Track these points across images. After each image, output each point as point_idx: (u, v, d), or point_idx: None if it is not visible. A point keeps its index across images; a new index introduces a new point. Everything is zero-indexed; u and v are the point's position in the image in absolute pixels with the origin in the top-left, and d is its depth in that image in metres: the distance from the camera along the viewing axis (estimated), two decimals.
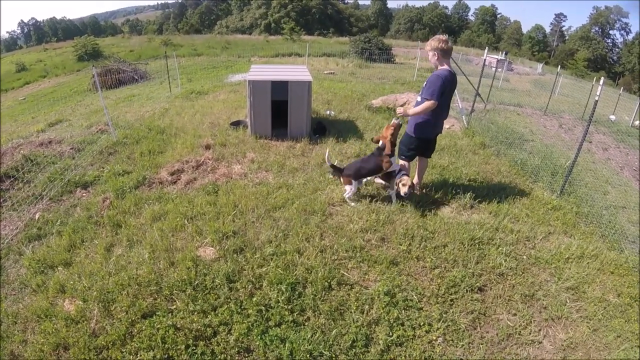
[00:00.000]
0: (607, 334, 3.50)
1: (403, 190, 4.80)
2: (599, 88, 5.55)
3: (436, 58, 4.75)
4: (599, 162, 9.61)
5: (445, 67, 4.74)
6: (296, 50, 32.93)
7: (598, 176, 7.98)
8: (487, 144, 7.68)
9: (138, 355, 2.90)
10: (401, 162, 5.23)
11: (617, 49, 74.56)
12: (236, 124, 7.81)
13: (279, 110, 7.07)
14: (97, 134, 7.70)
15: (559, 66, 19.00)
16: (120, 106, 11.88)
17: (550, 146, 9.20)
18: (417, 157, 5.31)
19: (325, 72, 18.62)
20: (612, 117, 17.71)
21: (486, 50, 10.04)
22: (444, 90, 4.63)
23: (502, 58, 31.41)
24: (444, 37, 4.80)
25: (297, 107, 6.98)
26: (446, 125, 8.97)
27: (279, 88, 6.83)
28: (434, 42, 4.71)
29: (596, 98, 5.53)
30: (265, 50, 34.98)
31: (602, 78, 5.94)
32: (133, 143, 7.17)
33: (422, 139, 5.06)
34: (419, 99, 4.92)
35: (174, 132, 7.68)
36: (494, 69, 17.13)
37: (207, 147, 6.70)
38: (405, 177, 4.87)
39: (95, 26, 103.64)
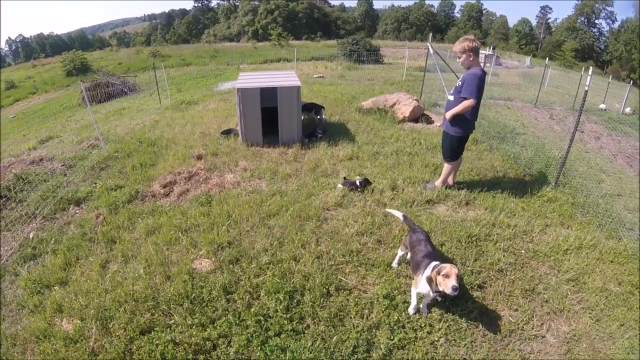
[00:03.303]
0: (610, 323, 3.49)
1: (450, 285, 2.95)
2: (588, 78, 5.55)
3: (471, 59, 4.82)
4: (592, 151, 9.64)
5: (479, 66, 4.82)
6: (284, 56, 32.95)
7: (592, 165, 8.01)
8: (479, 140, 7.69)
9: None
10: (447, 165, 5.34)
11: (603, 38, 75.11)
12: (227, 132, 7.78)
13: (269, 116, 7.04)
14: (88, 149, 7.65)
15: (547, 58, 19.09)
16: (111, 120, 11.84)
17: (542, 138, 9.22)
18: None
19: (315, 76, 18.60)
20: (603, 106, 17.80)
21: None
22: (480, 88, 4.76)
23: (490, 53, 31.62)
24: (471, 36, 4.87)
25: (287, 113, 6.97)
26: (437, 122, 8.99)
27: (268, 94, 6.82)
28: (467, 42, 4.76)
29: (586, 88, 5.53)
30: (254, 57, 34.99)
31: (591, 68, 5.95)
32: (124, 157, 7.12)
33: (465, 137, 5.24)
34: (450, 98, 5.06)
35: (165, 144, 7.64)
36: (482, 64, 17.20)
37: (199, 158, 6.66)
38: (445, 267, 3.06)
39: (83, 40, 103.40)
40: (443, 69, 11.25)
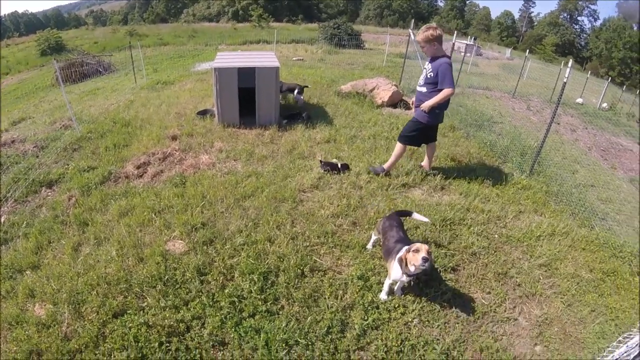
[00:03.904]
0: (582, 308, 3.59)
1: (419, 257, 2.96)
2: (568, 70, 5.62)
3: (435, 47, 4.76)
4: (567, 143, 9.86)
5: (444, 53, 4.78)
6: (265, 37, 32.48)
7: (567, 156, 8.19)
8: (457, 127, 7.74)
9: (112, 357, 2.80)
10: (401, 146, 5.28)
11: (584, 35, 76.55)
12: (203, 113, 7.62)
13: (246, 97, 6.91)
14: (61, 130, 7.40)
15: (527, 51, 19.31)
16: (85, 100, 11.49)
17: (519, 127, 9.36)
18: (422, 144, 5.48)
19: (294, 58, 18.40)
20: (580, 100, 18.23)
21: (454, 35, 10.05)
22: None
23: (471, 43, 31.80)
24: (434, 24, 4.78)
25: (265, 94, 6.84)
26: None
27: (246, 75, 6.67)
28: (431, 31, 4.67)
29: (565, 80, 5.60)
30: (233, 38, 34.36)
31: (571, 60, 6.03)
32: (98, 137, 6.91)
33: (431, 127, 5.23)
34: (422, 89, 4.99)
35: (139, 124, 7.44)
36: (462, 53, 17.29)
37: (174, 138, 6.51)
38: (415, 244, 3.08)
39: (59, 19, 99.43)
40: (423, 56, 11.21)
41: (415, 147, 5.73)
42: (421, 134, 5.20)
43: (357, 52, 23.89)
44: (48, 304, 3.28)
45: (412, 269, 2.97)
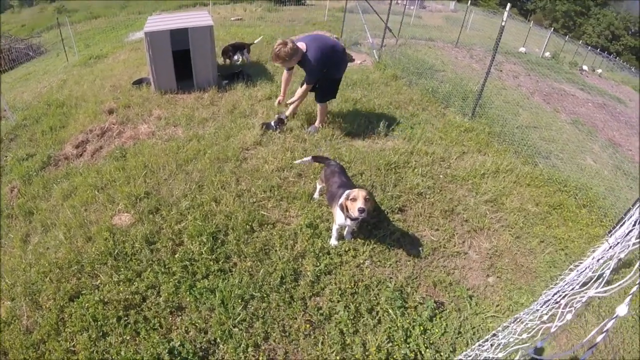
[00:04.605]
0: (530, 240, 3.80)
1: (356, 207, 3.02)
2: (505, 14, 5.70)
3: (297, 58, 4.63)
4: (510, 89, 10.10)
5: (306, 53, 4.64)
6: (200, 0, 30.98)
7: (509, 100, 8.41)
8: (399, 76, 7.77)
9: (74, 340, 2.77)
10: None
11: None
12: (139, 82, 7.27)
13: (182, 60, 6.63)
14: None
15: (469, 2, 19.49)
16: (17, 87, 10.81)
17: (461, 75, 9.52)
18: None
19: (232, 18, 17.78)
20: (523, 49, 18.73)
21: None
22: (319, 68, 4.68)
23: None
24: (279, 41, 4.58)
25: (201, 55, 6.56)
26: (358, 60, 9.02)
27: (179, 37, 6.33)
28: (283, 49, 4.48)
29: (502, 24, 5.67)
30: (168, 4, 32.29)
31: (509, 4, 6.10)
32: (33, 123, 6.54)
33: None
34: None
35: (74, 103, 7.05)
36: (405, 5, 17.22)
37: (110, 112, 6.19)
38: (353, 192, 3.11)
39: None
40: (365, 10, 11.15)
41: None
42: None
43: (298, 9, 23.22)
44: (6, 300, 3.19)
45: (353, 214, 3.02)
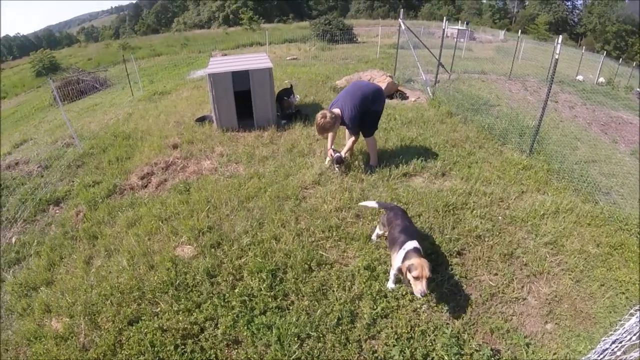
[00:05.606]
0: (591, 284, 3.59)
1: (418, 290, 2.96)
2: (558, 46, 5.60)
3: (337, 123, 5.07)
4: (566, 120, 9.80)
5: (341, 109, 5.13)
6: (257, 40, 32.36)
7: (566, 133, 8.13)
8: (454, 113, 7.73)
9: None
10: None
11: (577, 11, 75.41)
12: (201, 119, 7.68)
13: (243, 100, 6.97)
14: (63, 148, 7.51)
15: (520, 31, 19.18)
16: (84, 117, 11.60)
17: (516, 109, 9.33)
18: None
19: (288, 58, 18.38)
20: (580, 77, 18.11)
21: (445, 21, 10.07)
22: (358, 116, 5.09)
23: (464, 28, 31.68)
24: (319, 115, 5.00)
25: (261, 95, 6.90)
26: (412, 98, 9.04)
27: (241, 78, 6.74)
28: (323, 120, 4.94)
29: (556, 56, 5.58)
30: (226, 43, 34.25)
31: (560, 36, 6.00)
32: (100, 152, 7.01)
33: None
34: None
35: (140, 136, 7.52)
36: (455, 39, 17.24)
37: (175, 147, 6.58)
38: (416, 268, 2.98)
39: (51, 38, 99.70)
40: (416, 45, 11.26)
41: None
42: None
43: (350, 47, 23.83)
44: (64, 317, 3.36)
45: (412, 290, 3.01)
